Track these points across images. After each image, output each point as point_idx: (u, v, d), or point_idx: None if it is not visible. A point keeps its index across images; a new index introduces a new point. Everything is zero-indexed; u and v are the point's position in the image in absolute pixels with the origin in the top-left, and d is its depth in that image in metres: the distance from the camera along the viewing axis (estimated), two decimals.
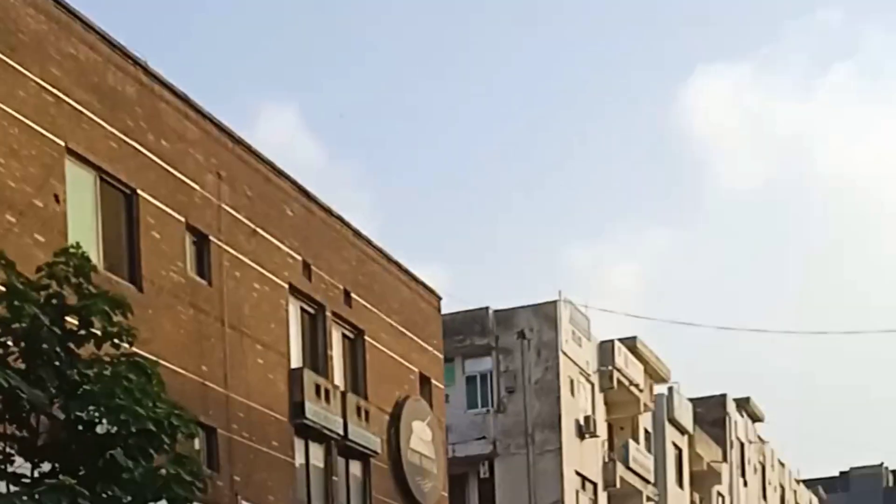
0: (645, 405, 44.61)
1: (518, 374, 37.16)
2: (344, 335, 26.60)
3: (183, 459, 13.42)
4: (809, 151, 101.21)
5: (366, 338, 27.12)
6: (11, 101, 17.18)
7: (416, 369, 29.21)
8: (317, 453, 25.16)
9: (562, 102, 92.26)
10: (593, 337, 41.05)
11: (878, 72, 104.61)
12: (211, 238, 21.62)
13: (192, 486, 13.34)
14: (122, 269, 19.33)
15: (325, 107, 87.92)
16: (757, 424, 62.31)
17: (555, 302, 38.12)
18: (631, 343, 43.96)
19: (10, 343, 12.88)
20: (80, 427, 13.19)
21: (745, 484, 58.42)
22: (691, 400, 51.56)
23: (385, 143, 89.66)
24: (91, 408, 12.94)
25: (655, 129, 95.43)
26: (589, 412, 40.06)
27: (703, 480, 52.03)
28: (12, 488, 12.89)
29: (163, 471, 13.30)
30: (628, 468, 42.31)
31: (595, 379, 40.95)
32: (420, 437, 28.74)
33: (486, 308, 37.22)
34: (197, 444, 20.99)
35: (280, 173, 24.26)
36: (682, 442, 49.77)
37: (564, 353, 38.19)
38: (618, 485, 41.30)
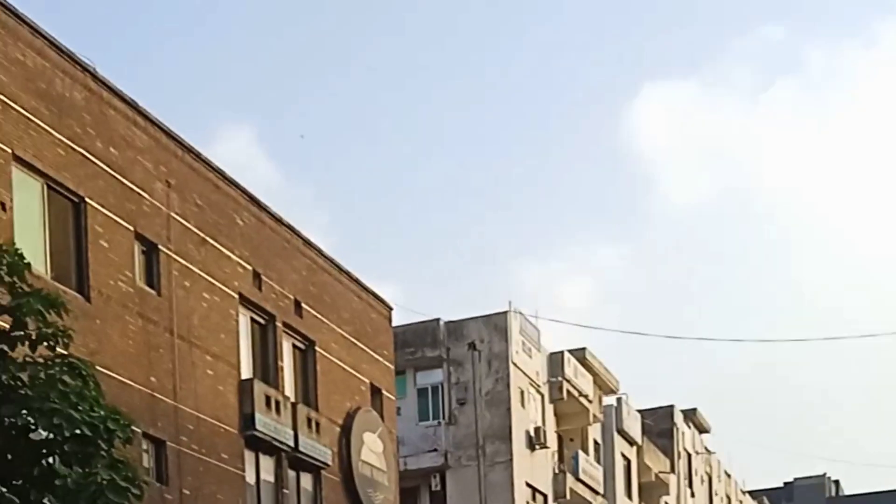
0: (594, 416, 44.58)
1: (469, 385, 36.97)
2: (295, 346, 26.30)
3: (118, 465, 12.99)
4: (755, 165, 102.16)
5: (317, 348, 26.83)
6: None
7: (367, 380, 28.94)
8: (267, 466, 24.82)
9: (511, 120, 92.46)
10: (543, 348, 40.96)
11: (820, 86, 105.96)
12: (160, 247, 21.28)
13: (128, 492, 12.89)
14: (69, 278, 18.95)
15: (282, 128, 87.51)
16: (703, 435, 62.60)
17: (505, 313, 37.98)
18: (580, 354, 43.92)
19: None
20: (14, 433, 12.78)
21: (693, 494, 58.57)
22: (639, 411, 51.68)
23: (340, 163, 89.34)
24: (24, 412, 12.52)
25: (604, 146, 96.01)
26: (539, 423, 39.94)
27: (651, 491, 52.10)
28: None
29: (97, 477, 12.86)
30: (578, 479, 42.23)
31: (545, 390, 40.85)
32: (371, 449, 28.46)
33: (437, 320, 37.02)
34: (146, 458, 20.65)
35: (230, 182, 23.95)
36: (631, 453, 49.81)
37: (515, 365, 38.04)
38: (568, 496, 41.19)
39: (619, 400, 48.26)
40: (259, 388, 24.08)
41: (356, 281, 28.93)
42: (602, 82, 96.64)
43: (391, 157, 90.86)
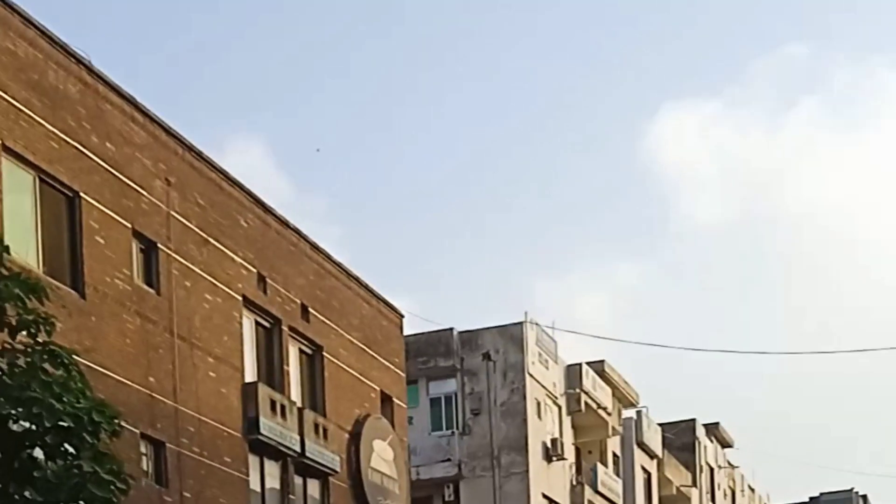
0: (613, 429, 44.02)
1: (483, 396, 36.46)
2: (301, 350, 25.88)
3: (102, 457, 12.46)
4: (777, 185, 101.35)
5: (324, 354, 26.40)
6: None
7: (377, 387, 28.49)
8: (272, 470, 24.37)
9: (531, 137, 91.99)
10: (560, 360, 40.45)
11: (844, 104, 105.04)
12: (159, 246, 20.90)
13: (112, 486, 12.38)
14: (63, 274, 18.57)
15: (294, 140, 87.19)
16: (727, 450, 61.92)
17: (521, 323, 37.50)
18: (599, 366, 43.42)
19: None
20: None
21: None
22: (661, 425, 51.10)
23: (353, 176, 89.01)
24: (2, 401, 12.04)
25: (625, 164, 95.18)
26: (556, 435, 39.39)
27: None
28: None
29: (79, 469, 12.35)
30: (597, 492, 41.65)
31: (562, 402, 40.31)
32: (381, 457, 27.99)
33: (451, 329, 36.54)
34: (144, 459, 20.23)
35: (234, 182, 23.59)
36: (651, 466, 49.20)
37: (531, 376, 37.54)
38: None
39: (638, 413, 47.73)
40: (264, 392, 23.66)
41: (366, 287, 28.51)
42: (624, 100, 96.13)
43: (405, 170, 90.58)
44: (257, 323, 24.36)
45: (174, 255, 21.31)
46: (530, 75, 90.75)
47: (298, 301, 25.55)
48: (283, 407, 24.23)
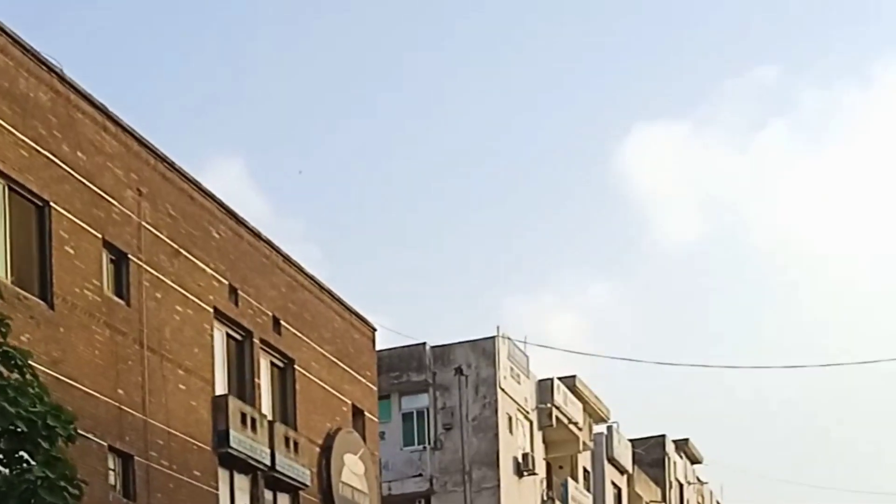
0: (584, 444, 44.01)
1: (456, 410, 36.32)
2: (273, 363, 25.66)
3: (55, 462, 12.16)
4: (746, 206, 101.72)
5: (296, 367, 26.18)
6: None
7: (348, 401, 28.28)
8: (242, 484, 24.12)
9: (503, 156, 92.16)
10: (532, 374, 40.37)
11: (812, 127, 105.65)
12: (130, 256, 20.66)
13: (65, 492, 12.06)
14: (31, 284, 18.32)
15: (272, 163, 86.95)
16: (696, 466, 62.02)
17: (493, 338, 37.41)
18: (570, 382, 43.41)
19: None
20: None
21: None
22: (631, 440, 51.12)
23: (331, 197, 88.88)
24: None
25: (595, 185, 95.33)
26: (527, 450, 39.28)
27: None
28: None
29: (30, 475, 11.99)
30: None
31: (534, 416, 40.23)
32: (352, 471, 27.78)
33: (423, 344, 36.41)
34: (112, 475, 19.95)
35: (206, 194, 23.38)
36: (622, 481, 49.21)
37: (503, 390, 37.44)
38: None
39: (609, 428, 47.75)
40: (234, 405, 23.43)
41: (338, 300, 28.32)
42: (594, 121, 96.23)
43: (382, 190, 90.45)
44: (228, 335, 24.14)
45: (145, 266, 21.08)
46: (502, 96, 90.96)
47: (270, 313, 25.34)
48: (253, 420, 24.00)
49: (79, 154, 19.43)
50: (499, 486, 36.67)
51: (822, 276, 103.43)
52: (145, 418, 20.70)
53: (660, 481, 54.89)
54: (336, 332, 28.05)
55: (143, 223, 21.09)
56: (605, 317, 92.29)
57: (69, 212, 19.10)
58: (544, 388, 40.66)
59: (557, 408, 41.08)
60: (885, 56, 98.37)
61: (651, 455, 54.60)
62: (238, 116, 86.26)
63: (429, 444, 36.14)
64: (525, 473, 38.71)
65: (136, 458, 20.37)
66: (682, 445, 59.26)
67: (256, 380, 24.81)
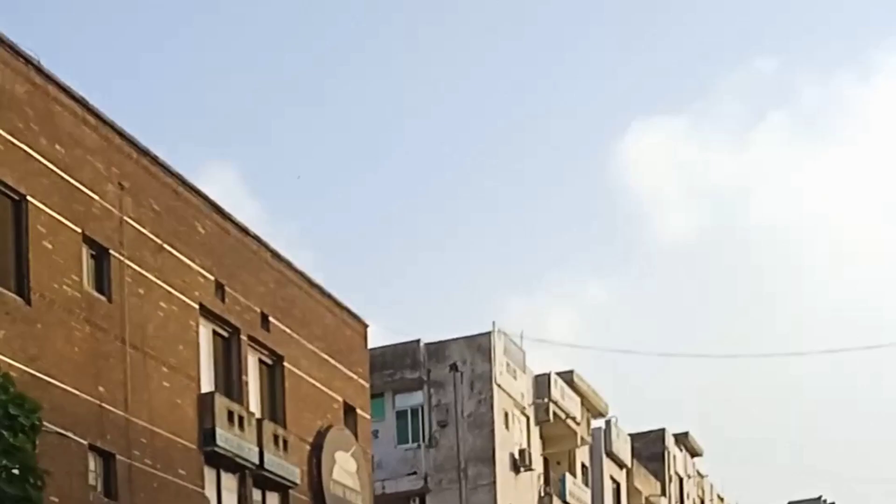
0: (582, 439, 43.53)
1: (450, 407, 35.88)
2: (261, 360, 25.27)
3: (14, 452, 11.76)
4: (745, 201, 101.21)
5: (285, 364, 25.79)
6: None
7: (339, 398, 27.87)
8: (229, 484, 23.73)
9: (500, 153, 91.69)
10: (529, 370, 39.93)
11: (812, 119, 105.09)
12: (111, 252, 20.27)
13: (26, 483, 11.64)
14: (7, 279, 17.94)
15: (266, 167, 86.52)
16: (696, 459, 61.58)
17: (488, 333, 36.96)
18: (568, 376, 42.91)
19: None
20: None
21: None
22: (630, 435, 50.67)
23: (324, 201, 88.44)
24: None
25: (594, 181, 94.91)
26: (524, 445, 38.85)
27: None
28: None
29: None
30: (565, 502, 41.11)
31: (531, 412, 39.79)
32: (344, 469, 27.37)
33: (418, 341, 35.96)
34: (91, 477, 19.55)
35: (191, 188, 23.00)
36: (621, 476, 48.74)
37: (499, 386, 37.00)
38: None
39: (607, 422, 47.25)
40: (221, 403, 23.03)
41: (329, 296, 27.92)
42: (593, 117, 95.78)
43: (377, 191, 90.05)
44: (215, 332, 23.75)
45: (127, 261, 20.68)
46: (500, 94, 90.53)
47: (258, 309, 24.95)
48: (241, 418, 23.61)
49: (57, 147, 19.03)
50: (495, 482, 36.24)
51: (821, 271, 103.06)
52: (127, 416, 20.31)
53: (659, 475, 54.42)
54: (327, 329, 27.64)
55: (125, 218, 20.70)
56: (604, 314, 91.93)
57: (47, 206, 18.72)
58: (541, 383, 40.19)
59: (555, 402, 40.61)
60: (885, 46, 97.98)
61: (650, 449, 54.16)
62: (230, 120, 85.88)
63: (423, 441, 35.70)
64: (522, 469, 38.28)
65: (117, 456, 19.99)
66: (681, 439, 58.76)
67: (244, 377, 24.42)
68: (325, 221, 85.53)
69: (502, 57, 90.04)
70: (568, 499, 41.49)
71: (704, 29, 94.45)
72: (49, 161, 18.81)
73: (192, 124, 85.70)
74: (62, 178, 19.09)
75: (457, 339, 36.42)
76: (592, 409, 45.35)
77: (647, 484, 51.73)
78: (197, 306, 22.88)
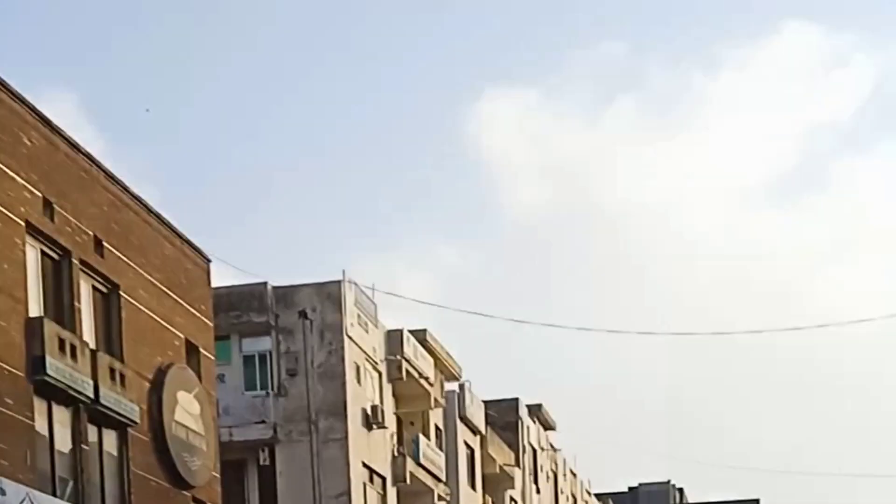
0: (436, 400, 42.35)
1: (300, 356, 34.27)
2: (95, 288, 23.36)
3: None
4: (593, 178, 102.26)
5: (121, 293, 23.91)
6: None
7: (181, 335, 26.07)
8: (62, 417, 21.82)
9: (357, 114, 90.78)
10: (381, 324, 38.59)
11: (660, 106, 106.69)
12: None
13: None
14: None
15: (110, 98, 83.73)
16: (549, 432, 61.04)
17: (339, 282, 35.48)
18: (421, 335, 41.72)
19: None
20: None
21: (538, 491, 56.86)
22: (484, 402, 49.74)
23: (172, 136, 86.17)
24: None
25: (449, 147, 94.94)
26: (377, 402, 37.45)
27: (496, 484, 50.13)
28: None
29: None
30: (419, 464, 39.86)
31: (383, 368, 38.42)
32: (186, 410, 25.58)
33: (265, 283, 34.25)
34: None
35: (15, 96, 21.04)
36: (475, 442, 47.76)
37: (350, 338, 35.54)
38: (408, 481, 38.80)
39: (461, 386, 46.21)
40: (51, 329, 21.11)
41: (168, 225, 26.12)
42: (447, 83, 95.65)
43: (232, 137, 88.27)
44: (43, 253, 21.80)
45: None
46: (356, 55, 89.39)
47: (91, 233, 23.04)
48: (73, 347, 21.70)
49: None
50: (347, 437, 34.77)
51: (669, 248, 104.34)
52: None
53: (513, 445, 53.67)
54: (166, 260, 25.84)
55: None
56: (456, 280, 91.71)
57: None
58: (393, 339, 38.87)
59: (407, 360, 39.33)
60: (730, 42, 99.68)
61: (504, 418, 53.28)
62: (74, 49, 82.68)
63: (272, 389, 34.00)
64: (375, 427, 36.89)
65: None
66: (535, 411, 58.13)
67: (77, 304, 22.50)
68: (173, 158, 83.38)
69: (357, 17, 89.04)
70: (422, 460, 40.25)
71: (559, 4, 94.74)
72: None
73: (33, 49, 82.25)
74: None
75: (306, 284, 34.87)
76: (446, 370, 44.27)
77: (501, 453, 50.87)
78: (23, 223, 20.94)
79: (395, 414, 39.87)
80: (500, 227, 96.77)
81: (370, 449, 36.75)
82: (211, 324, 27.68)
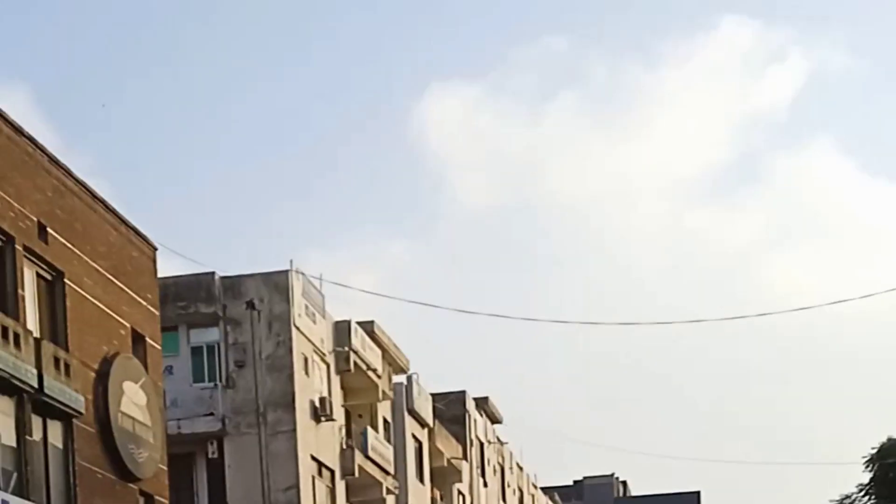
0: (384, 392, 41.90)
1: (248, 347, 33.64)
2: (39, 275, 22.72)
3: None
4: (536, 174, 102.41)
5: (66, 281, 23.29)
6: None
7: (127, 324, 25.46)
8: (5, 407, 21.22)
9: (303, 109, 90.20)
10: (329, 315, 38.07)
11: (601, 99, 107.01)
12: None
13: None
14: None
15: (62, 92, 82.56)
16: (496, 426, 60.82)
17: (286, 272, 34.89)
18: (368, 327, 41.22)
19: None
20: None
21: (486, 484, 56.63)
22: (431, 395, 49.39)
23: (123, 132, 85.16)
24: None
25: (395, 142, 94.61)
26: (325, 394, 36.93)
27: (444, 477, 49.81)
28: None
29: None
30: (367, 457, 39.39)
31: (331, 359, 37.89)
32: (133, 401, 24.97)
33: (212, 273, 33.61)
34: None
35: None
36: (423, 435, 47.36)
37: (298, 329, 34.97)
38: (356, 474, 38.31)
39: (409, 378, 45.79)
40: None
41: (114, 212, 25.50)
42: (393, 77, 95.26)
43: (179, 127, 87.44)
44: None
45: None
46: (306, 46, 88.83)
47: (35, 218, 22.42)
48: (16, 335, 21.09)
49: None
50: (295, 430, 34.22)
51: (610, 239, 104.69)
52: None
53: (461, 438, 53.39)
54: (112, 248, 25.21)
55: None
56: (403, 274, 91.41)
57: None
58: (341, 330, 38.34)
59: (355, 352, 38.83)
60: (669, 37, 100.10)
61: (451, 411, 52.91)
62: (27, 41, 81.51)
63: (220, 381, 33.35)
64: (323, 419, 36.36)
65: None
66: (481, 404, 57.87)
67: (20, 291, 21.89)
68: (123, 153, 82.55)
69: (302, 13, 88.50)
70: (370, 453, 39.78)
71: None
72: None
73: None
74: None
75: (253, 274, 34.26)
76: (394, 363, 43.83)
77: (448, 446, 50.55)
78: None
79: (343, 406, 39.34)
80: (445, 220, 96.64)
81: (318, 441, 36.23)
82: (157, 312, 27.07)
